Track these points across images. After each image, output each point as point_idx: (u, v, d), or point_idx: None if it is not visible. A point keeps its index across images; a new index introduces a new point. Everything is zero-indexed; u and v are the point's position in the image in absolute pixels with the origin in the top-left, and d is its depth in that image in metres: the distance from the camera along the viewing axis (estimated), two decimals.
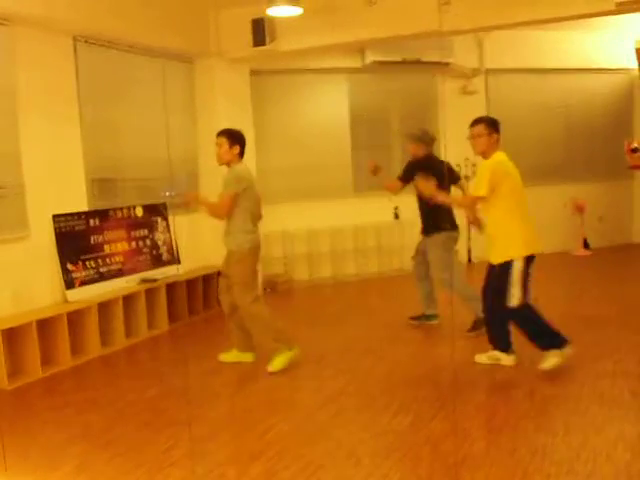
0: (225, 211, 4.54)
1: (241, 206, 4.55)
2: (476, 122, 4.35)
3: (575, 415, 3.63)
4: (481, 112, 8.71)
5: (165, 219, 6.50)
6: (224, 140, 4.59)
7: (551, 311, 4.46)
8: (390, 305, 5.70)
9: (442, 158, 5.91)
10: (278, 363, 4.60)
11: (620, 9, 5.41)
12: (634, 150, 3.92)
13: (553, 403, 3.78)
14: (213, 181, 6.89)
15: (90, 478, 3.15)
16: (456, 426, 3.46)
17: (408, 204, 6.45)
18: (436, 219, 5.38)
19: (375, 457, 3.18)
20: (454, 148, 7.41)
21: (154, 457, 3.32)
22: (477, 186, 4.24)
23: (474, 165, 8.53)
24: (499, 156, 4.27)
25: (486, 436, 3.33)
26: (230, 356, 4.89)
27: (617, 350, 4.57)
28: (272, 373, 4.56)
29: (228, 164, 4.62)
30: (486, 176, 4.18)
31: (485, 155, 4.32)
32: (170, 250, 6.48)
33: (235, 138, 4.61)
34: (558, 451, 3.13)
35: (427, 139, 5.50)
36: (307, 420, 3.74)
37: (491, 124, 4.32)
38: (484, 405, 3.78)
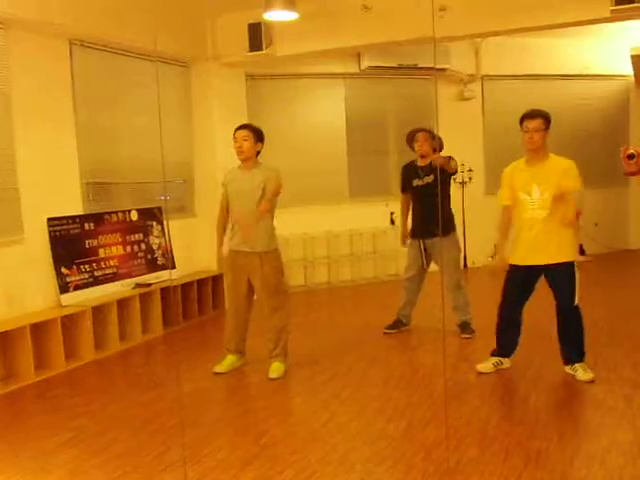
0: None
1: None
2: (534, 115, 4.14)
3: (569, 421, 3.63)
4: (477, 118, 8.81)
5: (160, 223, 6.48)
6: (249, 134, 4.50)
7: (546, 318, 4.45)
8: (385, 310, 5.70)
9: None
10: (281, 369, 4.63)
11: (615, 16, 5.43)
12: (630, 156, 3.93)
13: (547, 409, 3.77)
14: (208, 185, 6.90)
15: None
16: (449, 432, 3.46)
17: None
18: (450, 218, 5.36)
19: (368, 463, 3.17)
20: (450, 154, 7.42)
21: (147, 462, 3.30)
22: (578, 181, 4.21)
23: (470, 170, 8.54)
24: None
25: (479, 442, 3.33)
26: (224, 365, 4.75)
27: (612, 356, 4.56)
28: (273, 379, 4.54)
29: (250, 160, 4.54)
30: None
31: (542, 152, 4.21)
32: (165, 254, 6.47)
33: (260, 135, 4.56)
34: (552, 457, 3.12)
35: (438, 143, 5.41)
36: (301, 425, 3.73)
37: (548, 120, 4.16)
38: (478, 411, 3.77)
